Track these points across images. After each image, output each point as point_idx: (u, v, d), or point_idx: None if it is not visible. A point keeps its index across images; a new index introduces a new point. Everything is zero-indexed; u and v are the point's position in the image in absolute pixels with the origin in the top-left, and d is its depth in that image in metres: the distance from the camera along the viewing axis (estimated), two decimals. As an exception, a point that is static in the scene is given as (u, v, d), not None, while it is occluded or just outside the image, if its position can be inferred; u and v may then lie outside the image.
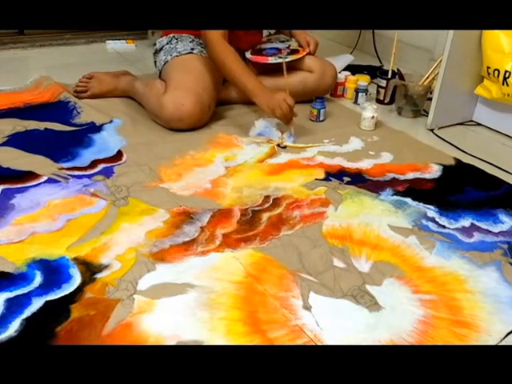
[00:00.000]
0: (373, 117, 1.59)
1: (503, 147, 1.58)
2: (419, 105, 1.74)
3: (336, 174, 1.33)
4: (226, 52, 1.49)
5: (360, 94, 1.80)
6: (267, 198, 1.21)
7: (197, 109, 1.47)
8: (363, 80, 1.87)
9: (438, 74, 1.61)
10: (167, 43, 1.63)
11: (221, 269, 0.97)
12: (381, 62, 2.22)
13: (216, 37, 1.48)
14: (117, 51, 2.26)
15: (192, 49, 1.58)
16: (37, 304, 0.86)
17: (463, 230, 1.14)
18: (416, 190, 1.28)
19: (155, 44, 1.69)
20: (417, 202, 1.23)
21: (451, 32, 1.50)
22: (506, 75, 1.50)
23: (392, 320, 0.88)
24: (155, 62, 1.70)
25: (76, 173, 1.26)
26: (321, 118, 1.64)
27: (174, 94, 1.46)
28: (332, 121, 1.67)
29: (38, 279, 0.91)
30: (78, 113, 1.56)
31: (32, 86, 1.73)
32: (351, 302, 0.92)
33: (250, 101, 1.68)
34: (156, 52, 1.68)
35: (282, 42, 1.75)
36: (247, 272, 0.97)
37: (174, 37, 1.63)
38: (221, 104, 1.65)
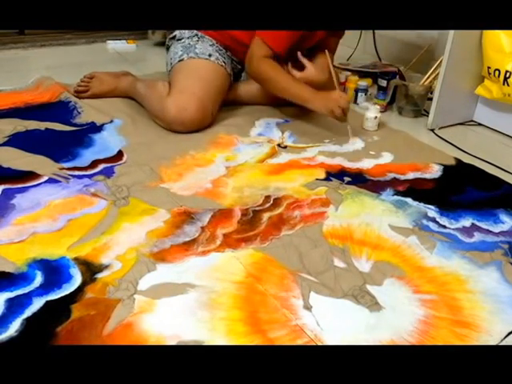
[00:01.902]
0: (376, 117, 1.59)
1: (504, 147, 1.58)
2: (420, 105, 1.74)
3: (336, 174, 1.33)
4: (272, 67, 1.51)
5: (360, 94, 1.81)
6: (268, 197, 1.21)
7: (199, 115, 1.47)
8: (365, 81, 1.87)
9: (438, 74, 1.61)
10: (188, 37, 1.60)
11: (221, 269, 0.97)
12: (381, 61, 2.22)
13: (258, 55, 1.51)
14: (117, 51, 2.26)
15: (210, 55, 1.55)
16: (37, 304, 0.86)
17: (464, 229, 1.14)
18: (416, 190, 1.28)
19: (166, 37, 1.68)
20: (417, 202, 1.23)
21: (452, 32, 1.50)
22: (507, 75, 1.50)
23: (393, 320, 0.88)
24: (168, 47, 1.67)
25: (76, 173, 1.26)
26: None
27: (178, 97, 1.46)
28: (332, 121, 1.66)
29: (39, 279, 0.91)
30: (79, 113, 1.56)
31: (33, 86, 1.73)
32: (352, 301, 0.92)
33: (255, 102, 1.68)
34: (174, 38, 1.65)
35: None
36: (248, 272, 0.97)
37: (196, 34, 1.60)
38: (226, 105, 1.64)
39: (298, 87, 1.51)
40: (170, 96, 1.47)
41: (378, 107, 1.61)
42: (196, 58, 1.55)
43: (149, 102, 1.56)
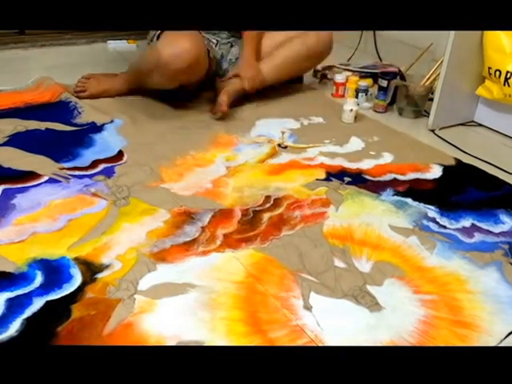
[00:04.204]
0: (351, 110, 1.62)
1: (504, 148, 1.58)
2: (420, 105, 1.74)
3: (337, 175, 1.33)
4: None
5: (360, 94, 1.81)
6: (268, 198, 1.21)
7: (192, 44, 1.49)
8: (365, 82, 1.87)
9: (439, 74, 1.61)
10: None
11: (221, 269, 0.97)
12: (381, 61, 2.22)
13: None
14: (118, 51, 2.26)
15: None
16: (37, 304, 0.86)
17: (464, 230, 1.14)
18: (417, 191, 1.28)
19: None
20: (417, 203, 1.23)
21: (452, 32, 1.50)
22: (508, 76, 1.50)
23: (393, 320, 0.88)
24: None
25: (77, 173, 1.26)
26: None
27: (168, 37, 1.51)
28: (333, 121, 1.67)
29: (39, 279, 0.91)
30: (79, 113, 1.56)
31: (33, 86, 1.73)
32: (352, 302, 0.92)
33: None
34: (149, 44, 1.71)
35: None
36: (248, 272, 0.97)
37: None
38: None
39: None
40: (161, 40, 1.52)
41: (355, 100, 1.65)
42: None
43: (145, 61, 1.59)
